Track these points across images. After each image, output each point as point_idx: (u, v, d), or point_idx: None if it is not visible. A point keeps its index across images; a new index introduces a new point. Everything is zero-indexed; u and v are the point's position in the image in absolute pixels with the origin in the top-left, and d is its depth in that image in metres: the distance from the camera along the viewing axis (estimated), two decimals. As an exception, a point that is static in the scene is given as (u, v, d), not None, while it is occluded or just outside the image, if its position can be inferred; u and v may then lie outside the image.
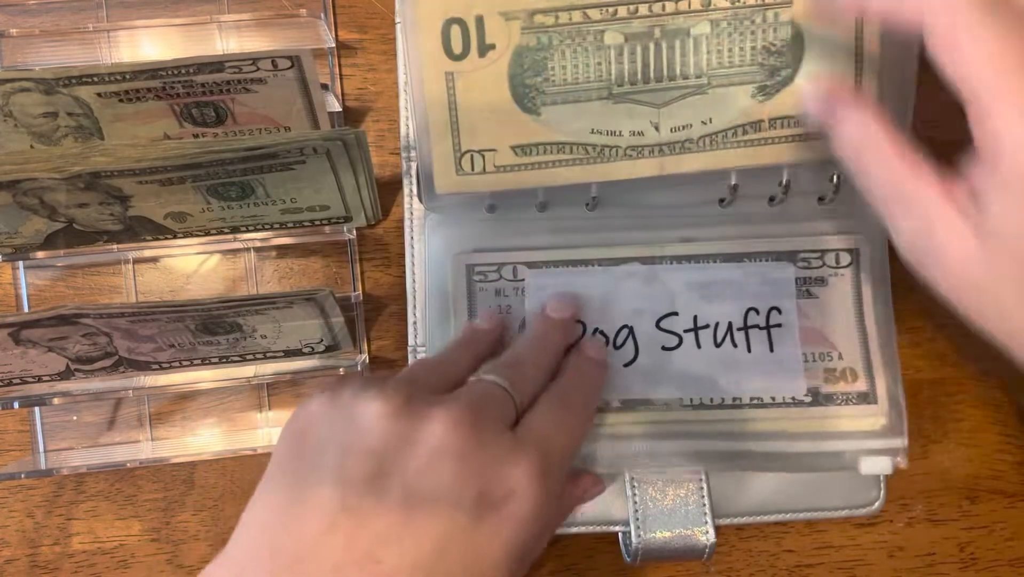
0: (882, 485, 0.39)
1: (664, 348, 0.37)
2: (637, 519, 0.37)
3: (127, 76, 0.33)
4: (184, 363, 0.38)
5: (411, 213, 0.40)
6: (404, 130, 0.40)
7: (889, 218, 0.29)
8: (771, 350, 0.37)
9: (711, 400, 0.37)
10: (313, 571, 0.25)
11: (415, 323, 0.39)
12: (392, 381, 0.29)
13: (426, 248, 0.38)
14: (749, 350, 0.37)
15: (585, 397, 0.34)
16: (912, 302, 0.41)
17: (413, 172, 0.39)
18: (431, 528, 0.26)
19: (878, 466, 0.36)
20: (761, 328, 0.37)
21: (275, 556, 0.25)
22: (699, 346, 0.37)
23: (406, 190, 0.40)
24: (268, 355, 0.38)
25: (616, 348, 0.37)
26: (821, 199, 0.37)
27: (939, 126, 0.41)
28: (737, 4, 0.33)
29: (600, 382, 0.36)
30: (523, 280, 0.38)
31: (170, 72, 0.33)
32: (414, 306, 0.40)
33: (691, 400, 0.37)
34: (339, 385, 0.29)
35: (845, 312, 0.37)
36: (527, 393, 0.31)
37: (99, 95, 0.34)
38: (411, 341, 0.39)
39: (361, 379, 0.29)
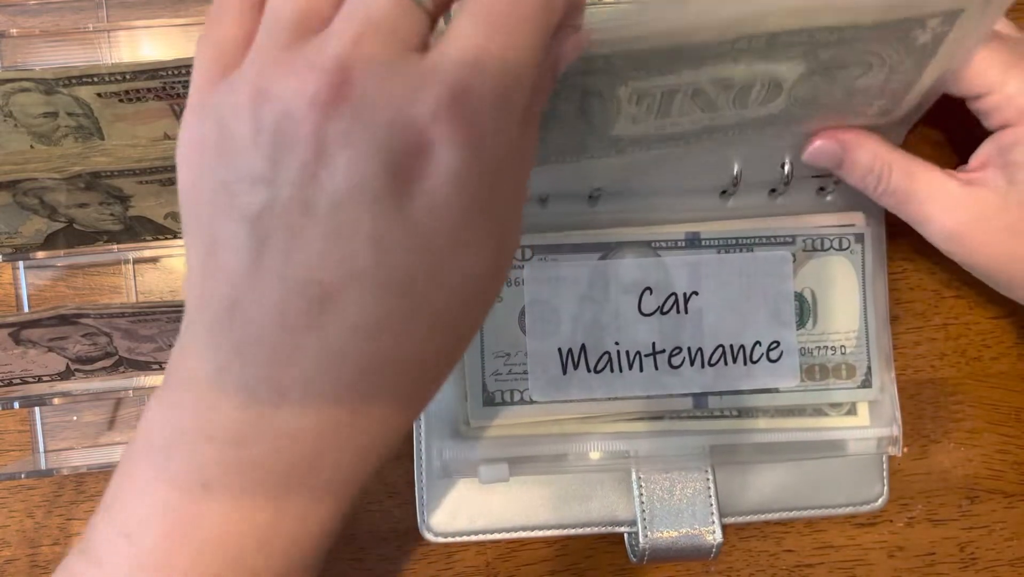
0: (885, 481, 0.39)
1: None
2: (644, 518, 0.37)
3: (127, 76, 0.33)
4: (184, 363, 0.38)
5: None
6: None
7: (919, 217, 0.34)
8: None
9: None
10: (253, 314, 0.21)
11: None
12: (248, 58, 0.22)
13: None
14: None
15: None
16: (912, 301, 0.41)
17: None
18: (346, 234, 0.21)
19: (872, 450, 0.38)
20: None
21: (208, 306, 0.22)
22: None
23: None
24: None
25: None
26: (822, 189, 0.37)
27: (938, 125, 0.41)
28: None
29: None
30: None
31: (170, 72, 0.33)
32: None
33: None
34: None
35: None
36: None
37: (99, 95, 0.34)
38: None
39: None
